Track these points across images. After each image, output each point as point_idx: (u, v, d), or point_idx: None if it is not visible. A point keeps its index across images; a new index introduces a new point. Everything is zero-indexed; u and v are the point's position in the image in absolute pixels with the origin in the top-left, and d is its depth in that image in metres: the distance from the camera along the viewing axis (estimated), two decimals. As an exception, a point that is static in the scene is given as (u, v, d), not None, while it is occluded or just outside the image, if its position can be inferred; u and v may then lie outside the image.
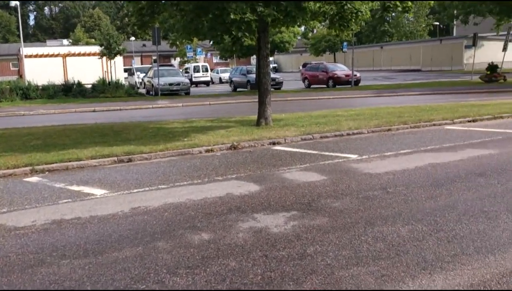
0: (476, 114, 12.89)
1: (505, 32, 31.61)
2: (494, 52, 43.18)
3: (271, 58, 33.25)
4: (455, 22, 55.17)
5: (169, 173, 7.94)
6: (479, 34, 34.23)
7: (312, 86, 32.63)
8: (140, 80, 37.25)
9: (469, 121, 12.30)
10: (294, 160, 8.60)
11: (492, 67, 27.98)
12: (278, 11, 10.73)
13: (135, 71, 40.98)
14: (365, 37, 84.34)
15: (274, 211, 5.61)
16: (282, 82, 32.30)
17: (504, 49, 30.47)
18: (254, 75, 28.92)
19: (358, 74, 31.71)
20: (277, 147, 9.98)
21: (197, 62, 48.56)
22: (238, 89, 32.81)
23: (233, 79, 34.34)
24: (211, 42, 29.23)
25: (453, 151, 9.05)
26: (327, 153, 9.12)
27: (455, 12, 44.81)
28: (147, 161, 8.91)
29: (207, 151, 9.52)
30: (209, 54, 62.51)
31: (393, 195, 6.19)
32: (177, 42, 24.90)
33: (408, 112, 14.00)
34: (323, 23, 19.57)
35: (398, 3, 11.70)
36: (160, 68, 27.70)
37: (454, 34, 63.69)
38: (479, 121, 12.36)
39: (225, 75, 44.35)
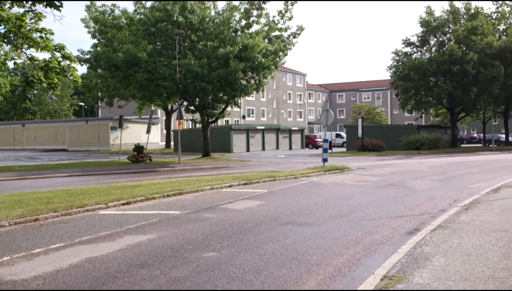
0: (130, 196, 12.64)
1: (148, 116, 34.16)
2: (138, 134, 46.37)
3: None
4: (100, 104, 57.12)
5: None
6: (125, 117, 35.99)
7: None
8: None
9: (123, 204, 11.89)
10: None
11: (139, 148, 29.47)
12: None
13: None
14: (4, 113, 78.39)
15: None
16: None
17: (148, 131, 32.77)
18: None
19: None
20: None
21: None
22: None
23: None
24: None
25: (111, 239, 8.28)
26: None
27: (99, 94, 46.36)
28: None
29: None
30: None
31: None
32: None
33: (57, 197, 12.62)
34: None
35: (42, 78, 10.57)
36: None
37: (100, 115, 65.79)
38: (133, 203, 12.12)
39: None
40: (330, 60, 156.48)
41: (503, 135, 55.00)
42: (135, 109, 46.60)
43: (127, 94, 36.48)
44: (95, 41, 35.67)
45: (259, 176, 18.55)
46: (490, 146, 48.37)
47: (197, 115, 35.28)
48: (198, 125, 35.33)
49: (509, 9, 50.42)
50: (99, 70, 34.35)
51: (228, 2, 30.80)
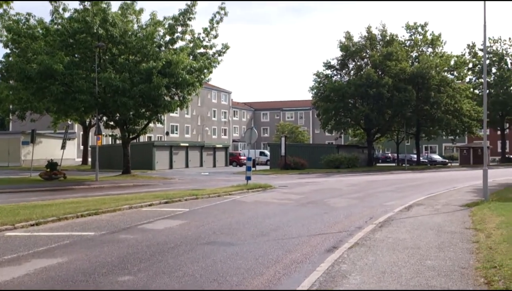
0: (40, 216, 11.84)
1: (63, 131, 32.52)
2: (53, 149, 43.90)
3: None
4: (11, 117, 53.61)
5: None
6: (38, 131, 33.99)
7: None
8: None
9: (32, 225, 11.10)
10: None
11: (52, 165, 27.88)
12: None
13: None
14: None
15: None
16: None
17: (63, 147, 31.17)
18: None
19: None
20: None
21: None
22: None
23: None
24: None
25: (17, 263, 7.66)
26: None
27: (11, 106, 43.57)
28: None
29: None
30: None
31: None
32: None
33: (-43, 217, 11.55)
34: None
35: None
36: None
37: (11, 129, 61.78)
38: (44, 224, 11.35)
39: None
40: (255, 79, 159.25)
41: (415, 156, 58.30)
42: (50, 123, 44.20)
43: (41, 107, 34.57)
44: (7, 51, 33.68)
45: (181, 194, 18.19)
46: (403, 165, 51.06)
47: (117, 131, 34.16)
48: (118, 141, 34.16)
49: (421, 37, 54.09)
50: (11, 82, 32.32)
51: (152, 16, 30.29)
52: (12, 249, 8.69)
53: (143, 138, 52.01)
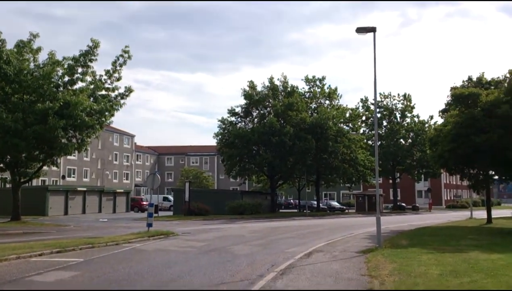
0: None
1: None
2: None
3: None
4: None
5: None
6: None
7: None
8: None
9: None
10: None
11: None
12: None
13: None
14: None
15: None
16: None
17: None
18: None
19: None
20: None
21: None
22: None
23: None
24: None
25: None
26: None
27: None
28: None
29: None
30: None
31: None
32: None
33: None
34: None
35: None
36: None
37: None
38: None
39: None
40: (160, 123, 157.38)
41: (315, 202, 60.41)
42: None
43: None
44: None
45: (75, 242, 17.10)
46: (304, 211, 52.60)
47: (7, 174, 31.69)
48: (8, 185, 31.66)
49: (319, 90, 57.28)
50: None
51: (50, 56, 29.07)
52: None
53: (36, 182, 48.70)
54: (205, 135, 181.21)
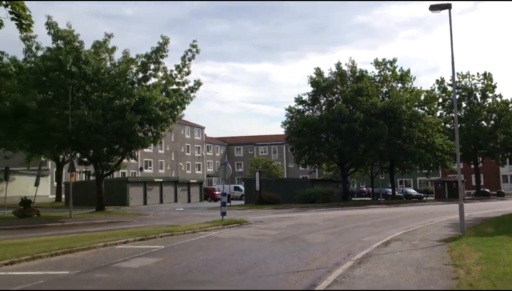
0: (13, 255, 11.54)
1: (37, 168, 31.97)
2: (26, 186, 42.77)
3: None
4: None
5: None
6: (11, 168, 33.19)
7: None
8: None
9: (6, 264, 10.83)
10: None
11: (26, 202, 27.37)
12: None
13: None
14: None
15: None
16: None
17: (37, 184, 30.58)
18: None
19: None
20: None
21: None
22: None
23: None
24: None
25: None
26: None
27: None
28: None
29: None
30: None
31: None
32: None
33: None
34: None
35: None
36: None
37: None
38: (18, 263, 11.08)
39: None
40: (228, 114, 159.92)
41: (390, 190, 58.64)
42: (23, 160, 43.30)
43: (14, 145, 33.97)
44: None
45: (156, 230, 17.95)
46: (379, 199, 51.41)
47: (91, 167, 33.72)
48: (92, 178, 33.69)
49: (390, 73, 55.52)
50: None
51: (124, 54, 30.45)
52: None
53: (117, 174, 51.31)
54: (272, 124, 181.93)
